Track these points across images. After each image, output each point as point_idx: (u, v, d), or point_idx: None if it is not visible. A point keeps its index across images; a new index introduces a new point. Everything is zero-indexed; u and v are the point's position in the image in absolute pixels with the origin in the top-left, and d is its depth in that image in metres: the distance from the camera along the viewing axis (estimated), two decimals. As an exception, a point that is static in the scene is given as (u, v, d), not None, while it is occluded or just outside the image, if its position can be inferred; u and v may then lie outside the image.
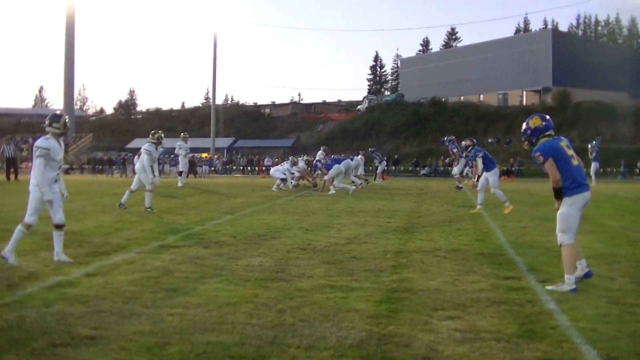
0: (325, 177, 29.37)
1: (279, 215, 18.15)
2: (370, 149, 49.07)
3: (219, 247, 12.29)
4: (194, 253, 11.50)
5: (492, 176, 19.44)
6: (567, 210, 8.99)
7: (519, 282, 9.07)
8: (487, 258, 11.14)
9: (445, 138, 34.64)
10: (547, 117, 9.49)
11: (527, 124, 9.46)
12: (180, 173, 35.01)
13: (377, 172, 42.82)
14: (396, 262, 10.69)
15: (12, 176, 39.09)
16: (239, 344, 6.15)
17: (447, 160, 63.56)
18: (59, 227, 10.66)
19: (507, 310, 7.47)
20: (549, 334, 6.52)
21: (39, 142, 10.65)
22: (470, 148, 20.18)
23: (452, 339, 6.34)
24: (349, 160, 31.60)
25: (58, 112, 11.63)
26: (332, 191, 27.92)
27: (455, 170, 33.52)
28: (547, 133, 9.25)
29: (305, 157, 36.42)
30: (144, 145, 19.74)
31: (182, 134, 36.90)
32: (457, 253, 11.67)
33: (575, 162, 9.09)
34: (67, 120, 10.99)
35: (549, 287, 8.64)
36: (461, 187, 31.80)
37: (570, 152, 9.15)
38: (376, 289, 8.57)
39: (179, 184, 32.87)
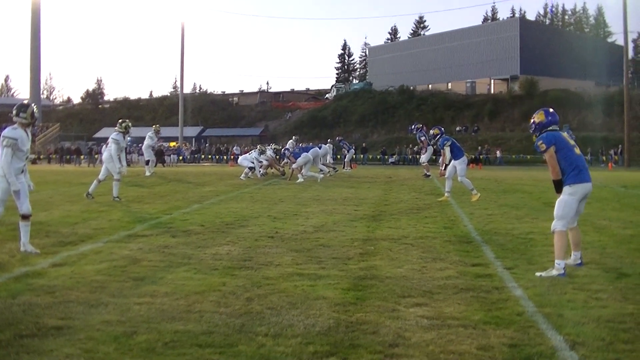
0: (293, 166, 29.40)
1: (247, 204, 18.12)
2: (337, 137, 49.21)
3: (187, 236, 12.25)
4: (162, 242, 11.46)
5: (459, 164, 19.49)
6: (566, 198, 9.04)
7: (486, 269, 9.13)
8: (454, 245, 11.21)
9: (413, 126, 34.67)
10: (552, 111, 9.48)
11: (533, 118, 9.53)
12: (147, 162, 34.76)
13: (345, 160, 42.83)
14: (364, 250, 10.73)
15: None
16: (206, 332, 6.14)
17: (415, 149, 63.75)
18: (25, 217, 10.55)
19: (474, 297, 7.52)
20: (516, 320, 6.56)
21: (6, 132, 10.49)
22: (438, 137, 20.21)
23: (420, 326, 6.37)
24: (317, 148, 31.56)
25: (25, 101, 11.44)
26: (300, 179, 27.95)
27: (424, 158, 33.59)
28: (550, 128, 9.28)
29: (273, 146, 36.33)
30: (112, 134, 19.58)
31: (154, 126, 36.55)
32: (424, 240, 11.72)
33: (578, 151, 9.19)
34: (34, 110, 10.85)
35: (538, 274, 8.70)
36: (429, 175, 31.89)
37: (572, 142, 9.30)
38: (344, 277, 8.59)
39: (147, 173, 32.66)
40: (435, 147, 24.01)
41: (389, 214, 15.92)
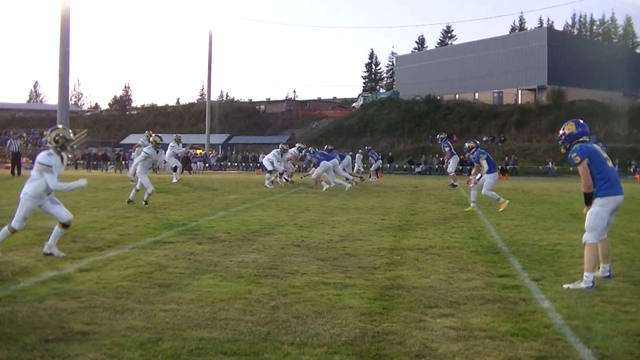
0: (312, 176, 29.47)
1: (273, 212, 18.10)
2: (366, 147, 49.31)
3: (213, 243, 12.26)
4: (188, 249, 11.48)
5: (489, 179, 19.42)
6: (598, 210, 8.98)
7: (513, 280, 9.05)
8: (481, 256, 11.13)
9: (438, 136, 34.61)
10: (582, 122, 9.39)
11: (563, 129, 9.44)
12: (174, 169, 34.68)
13: (371, 169, 42.87)
14: (390, 260, 10.68)
15: (16, 171, 38.85)
16: (232, 340, 6.12)
17: (441, 158, 63.55)
18: (65, 225, 10.66)
19: (501, 308, 7.46)
20: (543, 333, 6.50)
21: (41, 159, 10.48)
22: (473, 150, 20.07)
23: (446, 337, 6.32)
24: (336, 158, 31.56)
25: (60, 127, 11.25)
26: (325, 187, 27.94)
27: (450, 167, 33.46)
28: (581, 139, 9.20)
29: (298, 145, 36.12)
30: (145, 147, 19.53)
31: (175, 135, 36.32)
32: (451, 251, 11.66)
33: (610, 164, 9.12)
34: (59, 134, 10.66)
35: (566, 286, 8.62)
36: (456, 185, 31.77)
37: (604, 155, 9.24)
38: (370, 286, 8.55)
39: (174, 180, 32.67)
40: (469, 159, 23.76)
41: (415, 224, 15.85)
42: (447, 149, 32.83)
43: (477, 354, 5.84)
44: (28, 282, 8.59)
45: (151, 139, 19.81)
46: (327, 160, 29.37)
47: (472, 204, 19.48)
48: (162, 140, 19.43)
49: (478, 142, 20.96)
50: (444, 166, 40.01)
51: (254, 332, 6.37)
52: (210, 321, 6.76)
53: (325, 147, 42.10)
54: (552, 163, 63.31)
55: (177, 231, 13.87)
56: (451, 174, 33.46)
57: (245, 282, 8.71)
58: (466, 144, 20.76)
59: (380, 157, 46.36)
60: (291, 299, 7.77)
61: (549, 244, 12.51)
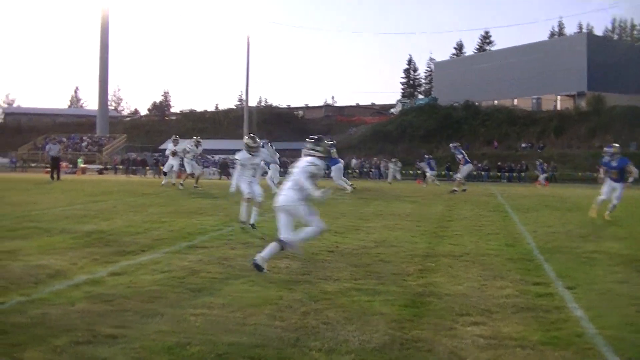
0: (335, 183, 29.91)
1: (309, 217, 18.02)
2: (425, 155, 49.72)
3: (246, 248, 12.26)
4: (221, 254, 11.49)
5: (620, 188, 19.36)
6: None
7: (546, 289, 8.94)
8: (515, 263, 11.01)
9: (451, 145, 34.61)
10: None
11: None
12: (192, 175, 33.80)
13: (427, 178, 43.62)
14: (424, 267, 10.61)
15: (55, 175, 39.17)
16: (260, 345, 6.11)
17: (479, 165, 63.49)
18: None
19: (533, 316, 7.38)
20: (575, 342, 6.42)
21: (309, 163, 10.55)
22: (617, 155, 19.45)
23: (476, 345, 6.26)
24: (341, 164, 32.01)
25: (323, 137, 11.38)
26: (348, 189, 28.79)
27: (461, 174, 33.38)
28: None
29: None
30: (237, 154, 18.23)
31: (194, 137, 35.28)
32: (485, 258, 11.56)
33: None
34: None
35: None
36: (456, 191, 31.72)
37: None
38: (402, 293, 8.50)
39: (195, 184, 31.83)
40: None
41: (451, 230, 15.73)
42: (460, 156, 32.93)
43: (506, 363, 5.79)
44: (62, 285, 8.66)
45: (245, 141, 18.61)
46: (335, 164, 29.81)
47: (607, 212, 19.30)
48: (255, 143, 17.24)
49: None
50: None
51: (282, 338, 6.36)
52: (240, 326, 6.76)
53: (424, 155, 42.33)
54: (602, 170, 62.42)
55: (212, 236, 13.90)
56: (459, 180, 33.36)
57: (277, 288, 8.69)
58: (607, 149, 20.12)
59: (434, 167, 47.15)
60: (322, 304, 7.74)
61: (585, 252, 12.37)
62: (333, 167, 30.69)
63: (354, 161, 73.12)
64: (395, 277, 9.61)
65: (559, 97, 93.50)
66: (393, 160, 52.12)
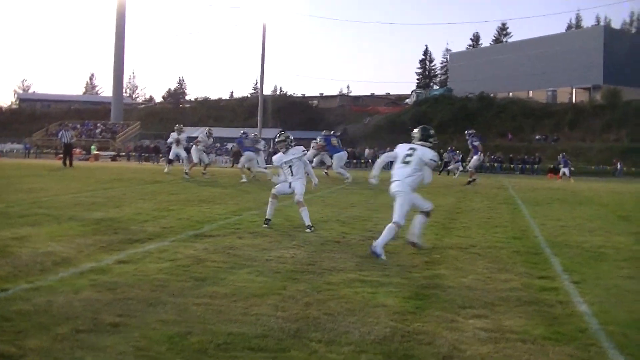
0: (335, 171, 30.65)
1: (318, 208, 18.01)
2: (449, 147, 49.54)
3: (254, 237, 12.28)
4: (228, 243, 11.50)
5: None
6: None
7: (552, 282, 8.92)
8: (522, 256, 11.00)
9: (467, 131, 34.25)
10: None
11: None
12: (200, 164, 33.49)
13: (450, 168, 43.52)
14: (430, 258, 10.61)
15: (67, 162, 39.17)
16: (260, 336, 6.12)
17: (492, 157, 63.45)
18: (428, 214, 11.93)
19: (536, 310, 7.36)
20: (577, 337, 6.40)
21: (434, 155, 11.58)
22: None
23: (477, 338, 6.26)
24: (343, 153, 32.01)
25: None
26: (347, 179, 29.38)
27: (472, 163, 33.16)
28: None
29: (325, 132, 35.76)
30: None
31: (207, 128, 35.03)
32: (492, 250, 11.56)
33: None
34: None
35: None
36: (472, 181, 31.62)
37: None
38: (406, 285, 8.51)
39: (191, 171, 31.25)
40: None
41: (459, 222, 15.72)
42: (475, 143, 32.58)
43: (506, 357, 5.78)
44: (67, 272, 8.68)
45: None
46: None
47: None
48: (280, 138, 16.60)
49: None
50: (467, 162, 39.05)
51: (283, 329, 6.37)
52: (242, 316, 6.77)
53: (449, 148, 41.43)
54: (620, 164, 62.16)
55: (220, 225, 13.92)
56: (470, 170, 33.21)
57: (282, 278, 8.71)
58: None
59: (459, 159, 46.94)
60: (325, 295, 7.75)
61: (593, 246, 12.32)
62: (335, 156, 30.79)
63: (367, 151, 72.99)
64: (400, 269, 9.61)
65: (574, 90, 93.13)
66: None
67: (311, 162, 32.35)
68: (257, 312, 6.95)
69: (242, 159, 30.71)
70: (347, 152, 36.97)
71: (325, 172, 32.89)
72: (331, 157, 31.74)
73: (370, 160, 69.46)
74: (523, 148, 71.79)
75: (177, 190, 21.45)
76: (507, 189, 29.69)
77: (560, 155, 50.50)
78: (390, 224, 10.95)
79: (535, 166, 63.52)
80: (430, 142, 11.80)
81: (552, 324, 6.84)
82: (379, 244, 10.64)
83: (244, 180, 28.28)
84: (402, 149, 11.81)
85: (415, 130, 12.13)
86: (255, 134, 34.91)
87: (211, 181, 28.44)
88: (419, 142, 11.69)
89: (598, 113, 78.39)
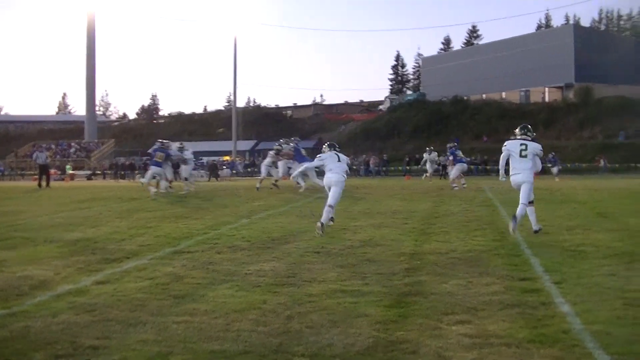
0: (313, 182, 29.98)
1: (296, 218, 18.01)
2: (449, 145, 48.27)
3: (233, 252, 12.19)
4: (207, 258, 11.43)
5: None
6: None
7: (533, 284, 8.90)
8: (502, 259, 10.99)
9: (448, 145, 34.90)
10: None
11: None
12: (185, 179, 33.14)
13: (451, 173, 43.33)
14: (410, 265, 10.57)
15: (43, 183, 38.79)
16: (242, 352, 6.06)
17: (468, 159, 63.55)
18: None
19: (519, 313, 7.34)
20: (561, 338, 6.38)
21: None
22: None
23: (461, 345, 6.22)
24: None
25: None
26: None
27: (453, 174, 33.46)
28: None
29: (294, 138, 35.75)
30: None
31: (178, 143, 34.31)
32: (472, 254, 11.54)
33: None
34: None
35: None
36: (458, 187, 31.78)
37: None
38: (387, 293, 8.46)
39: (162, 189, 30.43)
40: None
41: (438, 227, 15.72)
42: (451, 158, 33.30)
43: (491, 362, 5.76)
44: (44, 296, 8.58)
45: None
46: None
47: None
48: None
49: None
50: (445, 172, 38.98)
51: (265, 344, 6.30)
52: (223, 333, 6.70)
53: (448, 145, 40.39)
54: (604, 161, 62.36)
55: (198, 240, 13.83)
56: (452, 178, 33.47)
57: (262, 292, 8.64)
58: None
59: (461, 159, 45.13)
60: (307, 308, 7.69)
61: (573, 245, 12.33)
62: (300, 165, 30.57)
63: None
64: (380, 277, 9.56)
65: (547, 89, 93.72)
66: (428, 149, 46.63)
67: (271, 167, 32.51)
68: (238, 327, 6.88)
69: (150, 173, 28.93)
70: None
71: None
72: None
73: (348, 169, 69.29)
74: (499, 150, 71.96)
75: (153, 207, 21.32)
76: (485, 191, 29.74)
77: (550, 154, 50.05)
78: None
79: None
80: (530, 136, 14.68)
81: (536, 326, 6.81)
82: (533, 222, 14.19)
83: (156, 191, 28.02)
84: (514, 145, 14.52)
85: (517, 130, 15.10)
86: (181, 143, 34.29)
87: (187, 196, 28.26)
88: (523, 138, 14.59)
89: (572, 111, 78.94)
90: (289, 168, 31.98)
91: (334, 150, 16.02)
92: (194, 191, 31.06)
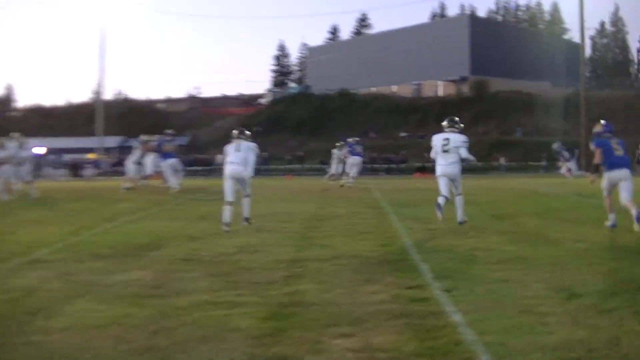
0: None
1: (166, 222, 17.84)
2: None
3: (95, 260, 11.91)
4: (65, 268, 11.11)
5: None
6: None
7: (422, 292, 8.95)
8: (390, 265, 11.04)
9: (350, 139, 35.28)
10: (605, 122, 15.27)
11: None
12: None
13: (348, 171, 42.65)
14: (289, 273, 10.52)
15: None
16: (100, 373, 5.91)
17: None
18: None
19: (407, 324, 7.35)
20: (452, 351, 6.40)
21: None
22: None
23: (344, 360, 6.20)
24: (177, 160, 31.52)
25: None
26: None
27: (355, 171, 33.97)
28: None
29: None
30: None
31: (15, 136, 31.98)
32: (358, 260, 11.57)
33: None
34: None
35: None
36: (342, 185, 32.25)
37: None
38: (263, 304, 8.38)
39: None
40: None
41: (321, 231, 15.77)
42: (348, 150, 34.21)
43: (376, 379, 5.75)
44: None
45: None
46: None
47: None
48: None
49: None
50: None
51: (127, 363, 6.16)
52: (79, 352, 6.50)
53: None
54: (503, 159, 63.61)
55: (55, 248, 13.45)
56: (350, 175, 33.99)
57: (125, 305, 8.45)
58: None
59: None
60: (174, 322, 7.55)
61: (465, 249, 12.51)
62: (164, 162, 30.19)
63: (218, 157, 72.34)
64: (256, 287, 9.48)
65: (440, 83, 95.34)
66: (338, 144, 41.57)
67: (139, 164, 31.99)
68: (98, 345, 6.70)
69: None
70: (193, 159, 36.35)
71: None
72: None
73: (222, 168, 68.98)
74: (388, 146, 72.96)
75: (3, 212, 20.76)
76: (373, 191, 30.00)
77: (556, 144, 45.78)
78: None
79: (402, 165, 64.48)
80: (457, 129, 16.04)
81: (425, 338, 6.83)
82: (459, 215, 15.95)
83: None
84: (438, 139, 15.89)
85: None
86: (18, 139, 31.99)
87: (42, 199, 27.49)
88: (451, 130, 15.94)
89: (466, 106, 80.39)
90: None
91: (242, 137, 16.61)
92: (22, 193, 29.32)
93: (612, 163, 14.86)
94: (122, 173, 56.39)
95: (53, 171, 57.78)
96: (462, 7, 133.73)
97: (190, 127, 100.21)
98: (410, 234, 14.62)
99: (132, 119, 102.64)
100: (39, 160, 36.02)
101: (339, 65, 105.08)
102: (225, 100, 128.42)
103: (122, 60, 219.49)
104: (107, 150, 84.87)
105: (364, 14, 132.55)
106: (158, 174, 31.66)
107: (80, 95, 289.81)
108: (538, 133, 66.73)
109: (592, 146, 15.65)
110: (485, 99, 79.81)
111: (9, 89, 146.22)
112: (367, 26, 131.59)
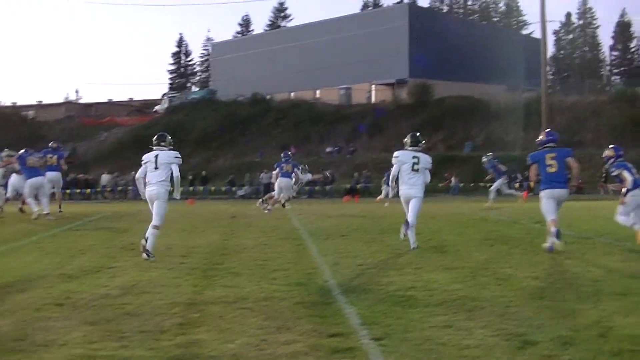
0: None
1: (35, 257, 17.62)
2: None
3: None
4: None
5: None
6: None
7: (346, 341, 8.94)
8: (308, 309, 11.04)
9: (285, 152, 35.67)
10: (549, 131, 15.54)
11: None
12: None
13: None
14: (185, 319, 10.46)
15: None
16: None
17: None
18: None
19: (327, 381, 7.36)
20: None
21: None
22: (612, 159, 18.75)
23: None
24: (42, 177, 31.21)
25: None
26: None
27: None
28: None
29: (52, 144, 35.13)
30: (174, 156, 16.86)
31: None
32: (269, 303, 11.54)
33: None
34: None
35: None
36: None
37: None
38: (152, 358, 8.33)
39: None
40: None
41: (225, 268, 15.68)
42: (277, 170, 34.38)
43: None
44: None
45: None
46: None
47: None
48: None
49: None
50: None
51: None
52: None
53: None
54: (454, 179, 63.99)
55: None
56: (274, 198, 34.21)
57: (-25, 364, 8.34)
58: (606, 151, 19.30)
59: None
60: (38, 384, 7.47)
61: (400, 288, 12.56)
62: (28, 182, 29.97)
63: (104, 177, 71.72)
64: (144, 336, 9.40)
65: (374, 87, 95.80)
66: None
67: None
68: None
69: None
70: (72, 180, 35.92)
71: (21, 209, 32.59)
72: None
73: (110, 189, 68.42)
74: (312, 163, 73.03)
75: None
76: (290, 219, 30.02)
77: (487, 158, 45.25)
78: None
79: (327, 187, 64.56)
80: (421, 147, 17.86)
81: (349, 398, 6.85)
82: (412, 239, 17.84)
83: None
84: (406, 157, 17.72)
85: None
86: None
87: None
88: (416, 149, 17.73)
89: (406, 114, 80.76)
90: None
91: (162, 144, 17.19)
92: None
93: (544, 181, 16.91)
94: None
95: None
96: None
97: (68, 140, 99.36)
98: (335, 271, 14.65)
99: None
100: None
101: (250, 66, 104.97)
102: (111, 106, 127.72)
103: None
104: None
105: (281, 3, 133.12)
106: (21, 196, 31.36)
107: None
108: (492, 147, 67.29)
109: (528, 160, 17.29)
110: (428, 106, 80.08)
111: None
112: (285, 17, 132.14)
